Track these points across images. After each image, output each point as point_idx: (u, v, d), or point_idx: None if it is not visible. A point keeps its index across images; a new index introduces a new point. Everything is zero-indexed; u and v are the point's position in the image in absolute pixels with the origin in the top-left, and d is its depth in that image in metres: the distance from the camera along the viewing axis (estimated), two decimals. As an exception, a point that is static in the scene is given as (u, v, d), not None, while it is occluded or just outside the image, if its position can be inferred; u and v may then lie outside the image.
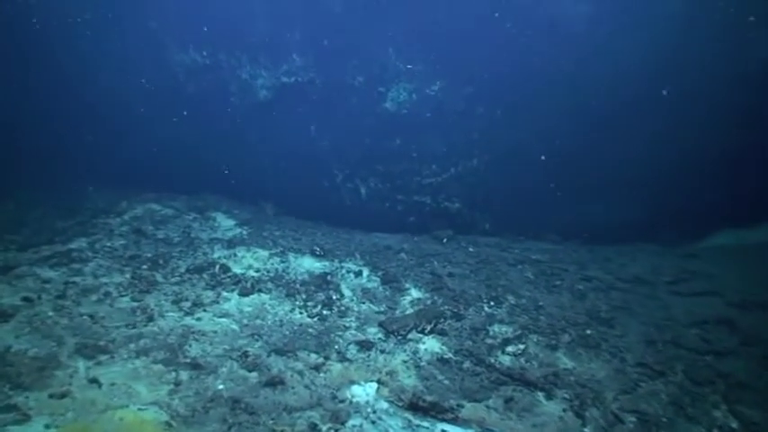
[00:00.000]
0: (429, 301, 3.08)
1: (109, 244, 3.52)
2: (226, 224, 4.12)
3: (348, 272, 3.42)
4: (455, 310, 2.96)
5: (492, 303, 3.09)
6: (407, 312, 2.97)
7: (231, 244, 3.63)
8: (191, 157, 6.18)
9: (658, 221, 4.78)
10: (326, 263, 3.51)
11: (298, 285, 3.20)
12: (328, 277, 3.32)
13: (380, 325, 2.83)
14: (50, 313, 2.60)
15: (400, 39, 5.41)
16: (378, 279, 3.35)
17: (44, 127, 5.64)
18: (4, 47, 5.55)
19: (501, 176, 5.37)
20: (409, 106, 5.47)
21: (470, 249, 4.08)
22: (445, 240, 4.32)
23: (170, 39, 6.05)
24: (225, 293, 3.02)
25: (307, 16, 5.48)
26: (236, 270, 3.29)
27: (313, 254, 3.60)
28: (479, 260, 3.80)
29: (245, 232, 3.93)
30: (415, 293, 3.19)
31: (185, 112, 6.10)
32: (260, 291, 3.10)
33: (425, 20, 5.22)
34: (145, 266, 3.22)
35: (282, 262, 3.47)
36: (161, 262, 3.30)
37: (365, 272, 3.43)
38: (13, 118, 5.35)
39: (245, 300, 2.99)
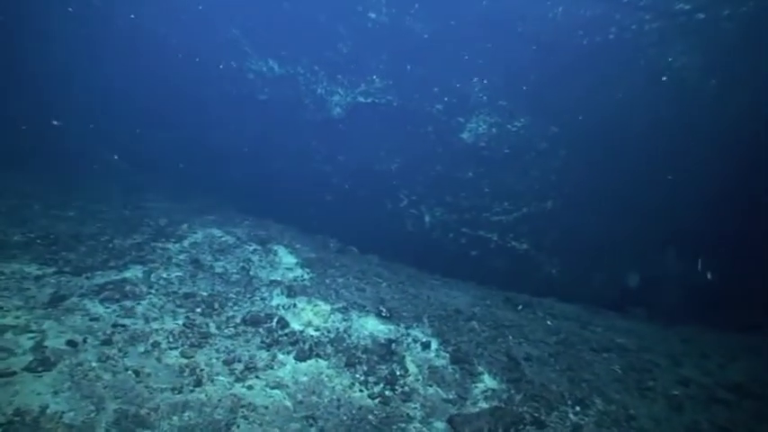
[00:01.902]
0: (505, 395, 2.72)
1: (165, 275, 3.30)
2: (287, 261, 3.86)
3: (415, 341, 3.10)
4: (536, 415, 2.59)
5: (578, 408, 2.70)
6: (480, 406, 2.62)
7: (292, 291, 3.36)
8: (255, 169, 6.07)
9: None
10: (392, 327, 3.20)
11: (359, 353, 2.90)
12: (393, 346, 3.01)
13: (450, 423, 2.49)
14: (94, 364, 2.38)
15: (486, 71, 5.15)
16: (447, 355, 3.01)
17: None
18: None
19: (574, 222, 5.07)
20: (487, 139, 5.23)
21: (548, 323, 3.70)
22: (520, 308, 3.95)
23: (250, 47, 5.97)
24: (281, 355, 2.74)
25: (393, 41, 5.29)
26: (295, 326, 3.02)
27: (378, 314, 3.29)
28: (559, 340, 3.41)
29: (306, 276, 3.65)
30: (488, 381, 2.83)
31: (256, 122, 6.04)
32: (318, 356, 2.81)
33: (516, 55, 4.94)
34: (199, 310, 2.99)
35: (345, 320, 3.18)
36: (216, 306, 3.06)
37: (433, 344, 3.10)
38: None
39: (302, 366, 2.71)
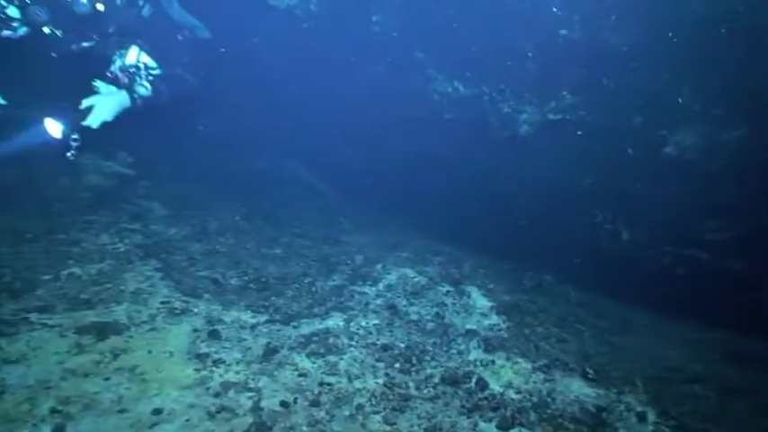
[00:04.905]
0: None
1: (364, 323, 3.38)
2: (481, 305, 3.75)
3: (628, 410, 2.80)
4: None
5: None
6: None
7: (489, 345, 3.25)
8: (441, 192, 6.09)
9: None
10: (600, 391, 2.93)
11: (566, 422, 2.69)
12: (603, 414, 2.75)
13: None
14: (305, 429, 2.46)
15: (695, 79, 4.61)
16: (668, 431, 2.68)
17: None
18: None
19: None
20: (696, 152, 4.67)
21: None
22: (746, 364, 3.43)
23: (434, 69, 6.05)
24: (482, 423, 2.64)
25: (587, 55, 4.97)
26: (495, 387, 2.90)
27: (584, 376, 3.05)
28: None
29: (502, 324, 3.51)
30: (722, 472, 2.47)
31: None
32: (521, 425, 2.66)
33: (728, 59, 4.35)
34: (397, 365, 3.00)
35: (547, 381, 2.99)
36: (414, 360, 3.05)
37: (650, 415, 2.78)
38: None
39: (505, 438, 2.58)
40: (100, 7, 3.55)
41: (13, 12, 3.54)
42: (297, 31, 5.98)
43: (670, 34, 4.60)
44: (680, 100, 4.75)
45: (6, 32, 3.56)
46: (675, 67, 4.53)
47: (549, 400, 2.84)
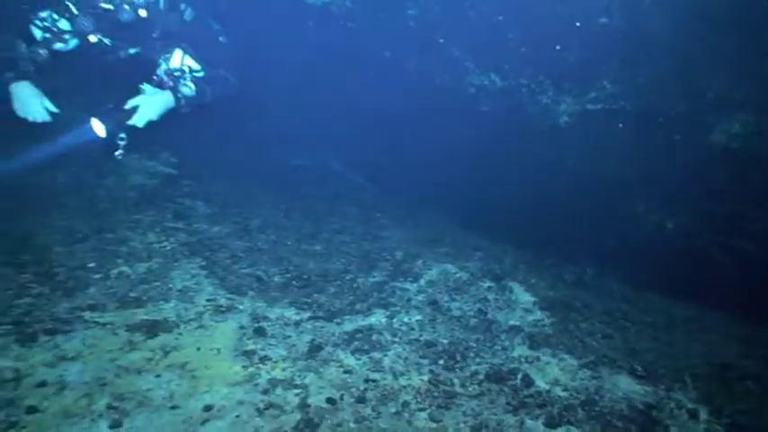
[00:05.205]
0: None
1: (406, 320, 3.39)
2: (523, 300, 3.73)
3: (679, 407, 2.76)
4: None
5: None
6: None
7: (533, 341, 3.23)
8: (477, 184, 6.06)
9: None
10: (649, 388, 2.89)
11: (615, 420, 2.66)
12: (653, 413, 2.71)
13: None
14: (352, 425, 2.49)
15: (738, 65, 4.48)
16: (722, 430, 2.63)
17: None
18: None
19: None
20: (743, 140, 4.54)
21: None
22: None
23: (470, 62, 6.00)
24: (529, 421, 2.63)
25: (626, 44, 4.88)
26: (541, 384, 2.88)
27: (632, 373, 3.00)
28: None
29: (546, 320, 3.49)
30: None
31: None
32: (569, 422, 2.64)
33: None
34: (441, 362, 3.00)
35: (594, 377, 2.95)
36: (458, 357, 3.05)
37: (702, 413, 2.73)
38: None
39: (552, 436, 2.57)
40: (143, 13, 3.63)
41: (63, 24, 3.64)
42: (333, 28, 5.99)
43: (710, 18, 4.48)
44: (723, 86, 4.64)
45: (59, 45, 3.66)
46: (717, 52, 4.41)
47: (596, 397, 2.82)
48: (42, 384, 2.54)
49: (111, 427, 2.35)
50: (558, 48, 5.06)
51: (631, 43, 4.81)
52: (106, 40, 3.80)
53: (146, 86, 3.95)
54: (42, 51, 3.67)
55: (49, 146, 3.90)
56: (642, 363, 3.08)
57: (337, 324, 3.29)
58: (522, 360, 3.07)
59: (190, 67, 3.98)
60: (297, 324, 3.26)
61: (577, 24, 4.86)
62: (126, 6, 3.60)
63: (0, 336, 2.81)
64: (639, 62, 4.90)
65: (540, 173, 5.67)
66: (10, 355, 2.69)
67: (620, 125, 5.20)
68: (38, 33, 3.70)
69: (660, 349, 3.30)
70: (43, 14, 3.68)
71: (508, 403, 2.73)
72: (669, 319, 3.85)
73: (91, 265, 3.57)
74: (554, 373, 2.97)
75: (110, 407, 2.45)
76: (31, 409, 2.39)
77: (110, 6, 3.63)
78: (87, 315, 3.09)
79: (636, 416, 2.68)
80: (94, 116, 3.75)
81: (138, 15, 3.66)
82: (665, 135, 4.87)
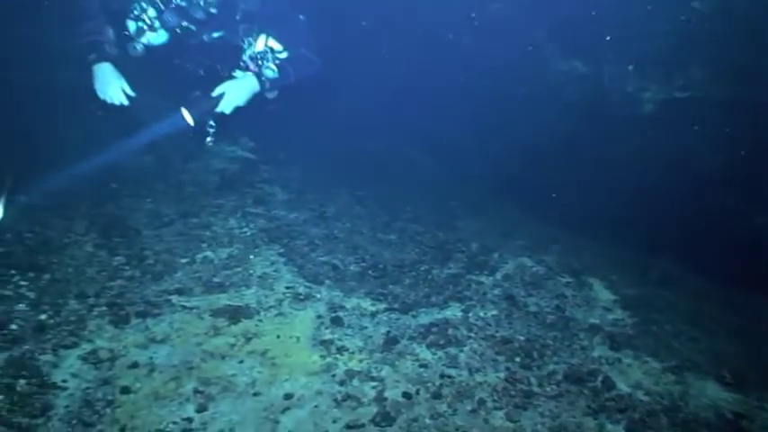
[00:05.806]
0: None
1: (482, 314, 3.37)
2: (604, 297, 3.62)
3: (773, 421, 2.63)
4: None
5: None
6: None
7: (614, 342, 3.13)
8: (557, 174, 5.90)
9: None
10: (738, 397, 2.76)
11: (700, 428, 2.56)
12: (743, 423, 2.59)
13: None
14: (428, 421, 2.51)
15: None
16: (819, 449, 2.48)
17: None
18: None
19: None
20: None
21: None
22: None
23: (555, 48, 5.86)
24: (609, 426, 2.56)
25: (719, 29, 4.64)
26: (623, 387, 2.80)
27: (720, 380, 2.87)
28: None
29: (628, 320, 3.38)
30: None
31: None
32: (651, 428, 2.56)
33: None
34: (518, 359, 2.97)
35: (678, 383, 2.84)
36: (535, 355, 3.00)
37: (798, 428, 2.59)
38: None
39: (634, 443, 2.50)
40: (212, 10, 3.70)
41: (153, 16, 3.76)
42: (412, 15, 5.95)
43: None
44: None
45: (151, 36, 3.79)
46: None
47: (681, 403, 2.72)
48: (134, 366, 2.68)
49: (197, 410, 2.45)
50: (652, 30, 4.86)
51: (725, 29, 4.58)
52: (191, 27, 3.88)
53: (237, 73, 4.02)
54: (138, 46, 3.80)
55: (141, 134, 4.06)
56: (731, 369, 2.93)
57: (413, 317, 3.30)
58: (603, 361, 2.99)
59: (272, 49, 4.00)
60: (373, 315, 3.29)
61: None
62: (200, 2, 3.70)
63: (96, 316, 2.98)
64: (729, 47, 4.66)
65: (622, 163, 5.46)
66: (105, 336, 2.85)
67: (709, 115, 4.98)
68: (132, 26, 3.82)
69: (750, 354, 3.14)
70: (136, 8, 3.79)
71: (588, 406, 2.67)
72: (760, 322, 3.65)
73: (177, 249, 3.72)
74: (636, 376, 2.88)
75: (196, 391, 2.56)
76: (125, 390, 2.52)
77: (183, 3, 3.73)
78: (175, 299, 3.22)
79: (724, 425, 2.58)
80: (183, 104, 3.87)
81: (210, 13, 3.74)
82: (757, 122, 4.62)
